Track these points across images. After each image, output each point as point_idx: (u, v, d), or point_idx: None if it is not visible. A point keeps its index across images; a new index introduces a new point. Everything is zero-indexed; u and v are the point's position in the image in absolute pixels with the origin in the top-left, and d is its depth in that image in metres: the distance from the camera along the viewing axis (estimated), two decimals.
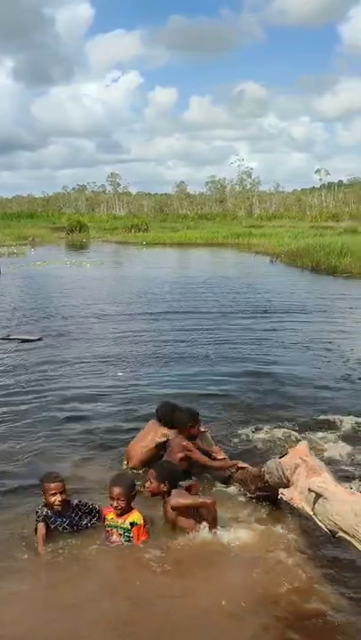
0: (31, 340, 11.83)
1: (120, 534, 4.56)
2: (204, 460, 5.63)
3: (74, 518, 4.68)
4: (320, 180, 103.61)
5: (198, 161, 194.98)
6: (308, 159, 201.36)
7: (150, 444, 5.85)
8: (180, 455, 5.52)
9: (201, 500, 4.74)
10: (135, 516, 4.57)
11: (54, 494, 4.57)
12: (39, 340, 11.93)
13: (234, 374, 9.40)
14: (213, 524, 4.64)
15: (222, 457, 5.78)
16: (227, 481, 5.60)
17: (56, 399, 8.21)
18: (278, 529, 4.76)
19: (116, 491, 4.55)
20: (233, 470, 5.59)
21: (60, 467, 5.62)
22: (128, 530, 4.54)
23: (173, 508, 4.62)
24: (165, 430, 5.86)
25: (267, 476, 4.84)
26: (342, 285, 21.40)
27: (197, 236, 50.07)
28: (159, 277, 23.69)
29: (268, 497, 4.98)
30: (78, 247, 45.82)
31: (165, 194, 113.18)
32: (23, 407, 7.86)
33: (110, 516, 4.61)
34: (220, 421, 7.21)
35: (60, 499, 4.57)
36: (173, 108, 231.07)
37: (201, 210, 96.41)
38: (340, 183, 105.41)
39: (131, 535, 4.54)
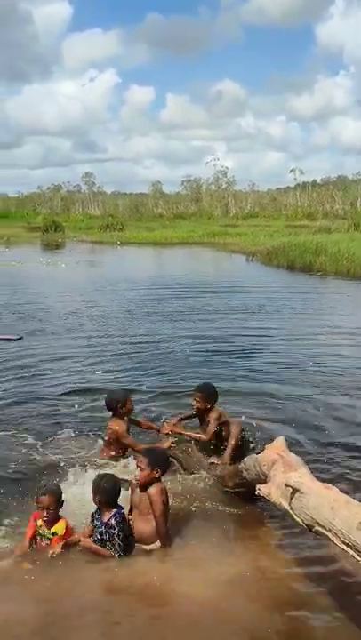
0: (12, 340, 11.78)
1: (47, 543, 4.42)
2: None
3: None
4: (295, 179, 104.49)
5: (175, 160, 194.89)
6: (284, 159, 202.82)
7: None
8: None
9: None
10: (59, 526, 4.43)
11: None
12: (20, 339, 11.90)
13: (214, 372, 9.42)
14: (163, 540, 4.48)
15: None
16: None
17: (40, 397, 8.23)
18: (256, 525, 4.79)
19: (47, 500, 4.39)
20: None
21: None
22: (50, 539, 4.41)
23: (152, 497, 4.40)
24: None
25: (244, 473, 4.88)
26: (318, 283, 21.77)
27: (173, 235, 50.17)
28: (135, 277, 23.61)
29: (246, 493, 5.01)
30: (54, 247, 45.51)
31: (141, 193, 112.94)
32: (7, 405, 7.86)
33: (40, 523, 4.45)
34: None
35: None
36: (151, 107, 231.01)
37: (176, 209, 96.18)
38: (314, 183, 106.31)
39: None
